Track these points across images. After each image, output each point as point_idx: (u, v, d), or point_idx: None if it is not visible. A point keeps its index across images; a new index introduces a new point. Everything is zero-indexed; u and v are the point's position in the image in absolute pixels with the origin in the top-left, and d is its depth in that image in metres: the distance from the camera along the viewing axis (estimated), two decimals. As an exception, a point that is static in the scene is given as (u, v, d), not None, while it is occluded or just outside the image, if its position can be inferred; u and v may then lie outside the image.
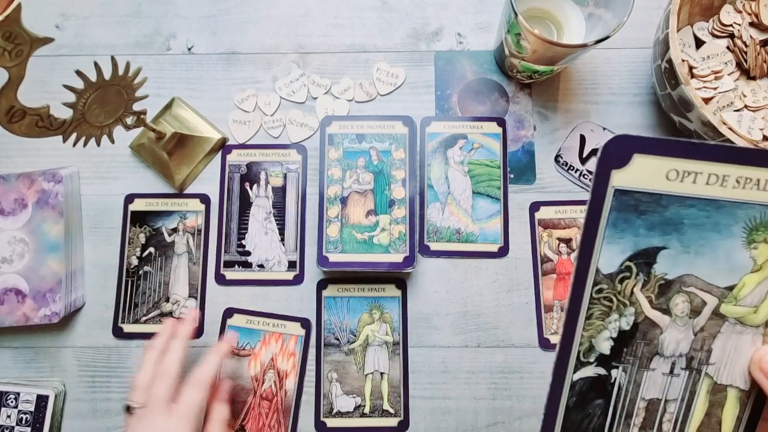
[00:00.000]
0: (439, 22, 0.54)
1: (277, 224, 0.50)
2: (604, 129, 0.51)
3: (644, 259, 0.20)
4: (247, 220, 0.50)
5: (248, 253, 0.49)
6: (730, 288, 0.20)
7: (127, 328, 0.48)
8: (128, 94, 0.39)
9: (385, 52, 0.53)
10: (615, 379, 0.21)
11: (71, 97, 0.36)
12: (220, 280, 0.49)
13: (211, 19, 0.54)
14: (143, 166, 0.51)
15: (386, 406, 0.47)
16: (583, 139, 0.50)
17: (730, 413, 0.21)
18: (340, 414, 0.47)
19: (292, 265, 0.49)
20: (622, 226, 0.20)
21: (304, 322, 0.48)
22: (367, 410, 0.47)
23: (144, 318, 0.48)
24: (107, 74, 0.36)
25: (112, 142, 0.41)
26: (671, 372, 0.21)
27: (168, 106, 0.52)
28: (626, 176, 0.19)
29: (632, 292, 0.20)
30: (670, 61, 0.42)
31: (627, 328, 0.21)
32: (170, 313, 0.49)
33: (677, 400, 0.21)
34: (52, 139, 0.37)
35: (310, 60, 0.53)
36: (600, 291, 0.20)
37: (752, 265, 0.20)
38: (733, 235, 0.20)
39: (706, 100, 0.46)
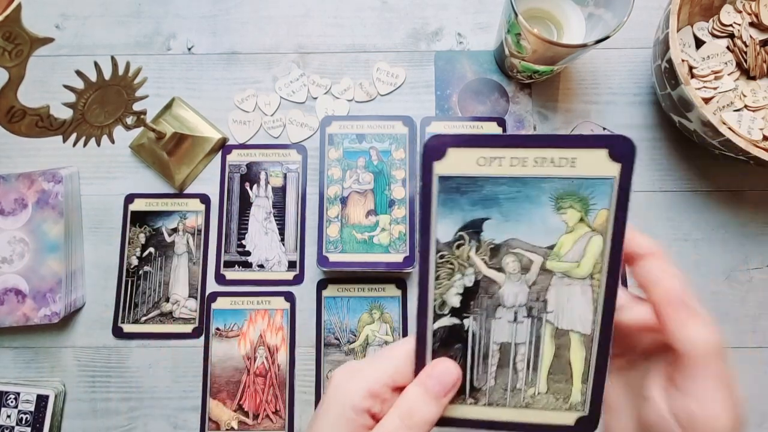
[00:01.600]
0: (439, 22, 0.54)
1: (277, 224, 0.50)
2: (604, 129, 0.51)
3: (473, 228, 0.24)
4: (247, 220, 0.50)
5: (248, 253, 0.49)
6: (551, 247, 0.24)
7: (127, 328, 0.48)
8: (128, 94, 0.39)
9: (385, 52, 0.53)
10: (468, 327, 0.25)
11: (71, 97, 0.36)
12: (220, 280, 0.49)
13: (211, 19, 0.54)
14: (143, 166, 0.51)
15: (386, 406, 0.47)
16: (583, 139, 0.50)
17: (577, 355, 0.24)
18: (340, 414, 0.46)
19: (292, 265, 0.49)
20: (450, 204, 0.24)
21: (288, 296, 0.49)
22: (367, 410, 0.46)
23: (144, 318, 0.49)
24: (107, 74, 0.36)
25: (112, 142, 0.41)
26: (515, 320, 0.25)
27: (168, 106, 0.52)
28: (445, 165, 0.24)
29: (468, 256, 0.24)
30: (670, 61, 0.42)
31: (470, 285, 0.25)
32: (170, 313, 0.49)
33: (526, 343, 0.25)
34: (52, 139, 0.37)
35: (310, 60, 0.53)
36: (442, 257, 0.25)
37: (565, 228, 0.24)
38: (543, 203, 0.24)
39: (706, 100, 0.46)
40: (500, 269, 0.24)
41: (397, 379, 0.25)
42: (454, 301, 0.25)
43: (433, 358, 0.25)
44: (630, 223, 0.23)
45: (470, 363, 0.25)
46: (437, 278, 0.25)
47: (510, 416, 0.25)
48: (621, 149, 0.23)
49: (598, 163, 0.23)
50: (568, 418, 0.25)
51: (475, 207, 0.24)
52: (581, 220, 0.24)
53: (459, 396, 0.25)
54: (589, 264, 0.24)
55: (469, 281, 0.25)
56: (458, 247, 0.24)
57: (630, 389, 0.25)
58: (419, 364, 0.25)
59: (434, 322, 0.25)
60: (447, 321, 0.25)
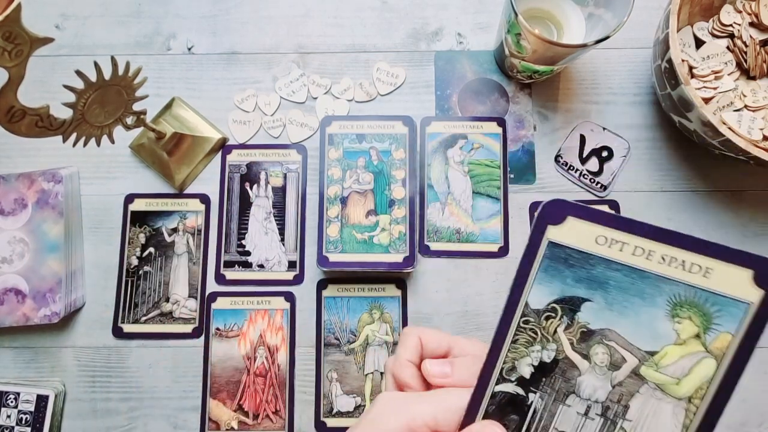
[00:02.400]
0: (439, 22, 0.54)
1: (277, 224, 0.50)
2: (604, 129, 0.51)
3: (569, 305, 0.22)
4: (247, 220, 0.50)
5: (248, 253, 0.49)
6: (652, 353, 0.21)
7: (127, 328, 0.48)
8: (128, 94, 0.39)
9: (385, 52, 0.53)
10: (531, 402, 0.22)
11: (71, 97, 0.36)
12: (220, 280, 0.49)
13: (211, 19, 0.54)
14: (143, 166, 0.51)
15: (386, 406, 0.47)
16: (583, 139, 0.51)
17: None
18: (340, 414, 0.47)
19: (292, 265, 0.49)
20: (552, 272, 0.22)
21: (288, 296, 0.49)
22: (367, 410, 0.46)
23: (144, 318, 0.49)
24: (107, 74, 0.36)
25: (112, 142, 0.41)
26: (586, 414, 0.22)
27: (168, 106, 0.52)
28: (560, 233, 0.22)
29: (555, 331, 0.22)
30: (670, 61, 0.42)
31: (548, 361, 0.22)
32: (170, 313, 0.49)
33: None
34: (52, 139, 0.37)
35: (310, 60, 0.53)
36: (527, 322, 0.22)
37: (675, 338, 0.21)
38: (656, 305, 0.21)
39: (706, 100, 0.46)
40: (586, 356, 0.22)
41: (441, 423, 0.23)
42: (525, 371, 0.23)
43: (484, 419, 0.23)
44: None
45: None
46: (514, 342, 0.23)
47: None
48: None
49: (738, 283, 0.20)
50: None
51: (578, 284, 0.22)
52: (697, 336, 0.21)
53: None
54: (692, 386, 0.21)
55: (547, 357, 0.22)
56: (547, 318, 0.22)
57: None
58: (468, 418, 0.23)
59: (497, 384, 0.23)
60: (511, 388, 0.23)
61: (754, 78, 0.47)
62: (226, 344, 0.48)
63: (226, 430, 0.47)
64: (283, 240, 0.50)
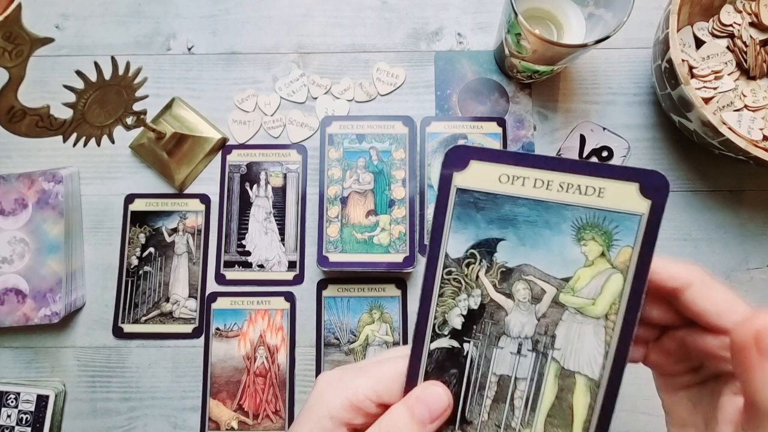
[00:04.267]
0: (439, 22, 0.54)
1: (277, 224, 0.50)
2: (604, 129, 0.51)
3: (486, 248, 0.23)
4: (247, 220, 0.50)
5: (248, 253, 0.49)
6: (567, 279, 0.22)
7: (127, 328, 0.48)
8: (128, 94, 0.39)
9: (385, 52, 0.53)
10: (467, 352, 0.23)
11: (71, 97, 0.36)
12: (220, 280, 0.49)
13: (211, 19, 0.54)
14: (143, 166, 0.51)
15: (386, 406, 0.47)
16: (583, 139, 0.51)
17: (580, 400, 0.22)
18: (340, 414, 0.46)
19: (292, 265, 0.49)
20: (465, 219, 0.23)
21: (288, 296, 0.49)
22: (367, 410, 0.46)
23: (144, 318, 0.49)
24: (107, 74, 0.36)
25: (112, 142, 0.41)
26: (519, 352, 0.23)
27: (168, 106, 0.52)
28: (465, 178, 0.23)
29: (477, 276, 0.23)
30: (670, 61, 0.42)
31: (475, 307, 0.23)
32: (170, 313, 0.49)
33: (526, 379, 0.23)
34: (52, 139, 0.37)
35: (310, 60, 0.53)
36: (449, 273, 0.23)
37: (584, 260, 0.22)
38: (562, 232, 0.22)
39: (706, 100, 0.46)
40: (509, 295, 0.23)
41: (382, 394, 0.23)
42: (456, 322, 0.23)
43: (426, 380, 0.23)
44: (662, 254, 0.21)
45: (464, 392, 0.23)
46: (441, 295, 0.23)
47: None
48: (653, 185, 0.21)
49: (628, 197, 0.22)
50: None
51: (490, 226, 0.23)
52: (602, 254, 0.22)
53: (447, 426, 0.23)
54: (606, 303, 0.22)
55: (474, 303, 0.23)
56: (468, 265, 0.23)
57: (700, 408, 0.23)
58: (410, 383, 0.23)
59: (432, 342, 0.23)
60: (445, 342, 0.23)
61: (754, 78, 0.47)
62: (226, 344, 0.48)
63: (226, 430, 0.47)
64: (283, 240, 0.50)
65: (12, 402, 0.46)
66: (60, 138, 0.37)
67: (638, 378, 0.30)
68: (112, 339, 0.48)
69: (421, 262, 0.49)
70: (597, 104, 0.51)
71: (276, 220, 0.50)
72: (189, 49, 0.53)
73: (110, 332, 0.48)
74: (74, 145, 0.38)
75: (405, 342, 0.48)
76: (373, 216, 0.47)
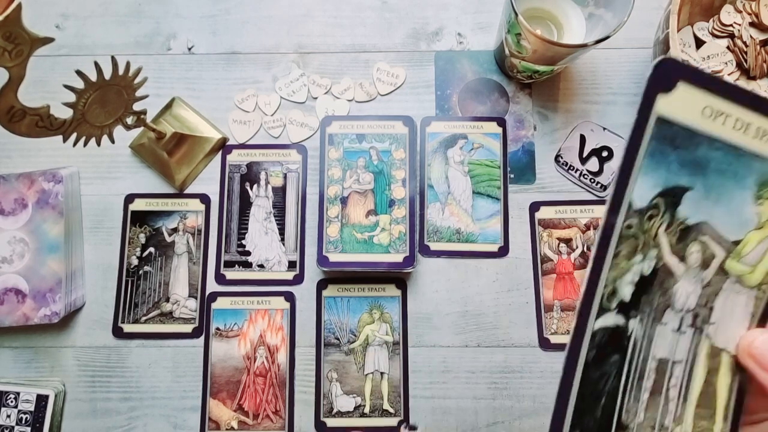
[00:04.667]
0: (439, 22, 0.54)
1: (277, 224, 0.50)
2: (604, 129, 0.51)
3: (672, 197, 0.20)
4: (247, 220, 0.50)
5: (248, 253, 0.49)
6: (737, 243, 0.20)
7: (127, 328, 0.48)
8: (128, 94, 0.39)
9: (385, 52, 0.53)
10: (631, 332, 0.20)
11: (71, 97, 0.36)
12: (220, 280, 0.49)
13: (211, 19, 0.54)
14: (143, 166, 0.51)
15: (386, 406, 0.47)
16: (583, 139, 0.51)
17: (723, 381, 0.20)
18: (340, 414, 0.47)
19: (292, 264, 0.49)
20: (659, 157, 0.20)
21: (288, 296, 0.49)
22: (367, 410, 0.47)
23: (144, 318, 0.49)
24: (107, 74, 0.36)
25: (112, 142, 0.41)
26: (679, 329, 0.20)
27: (168, 106, 0.52)
28: (669, 104, 0.20)
29: (657, 233, 0.20)
30: (670, 61, 0.42)
31: (648, 272, 0.20)
32: (170, 313, 0.49)
33: (682, 362, 0.20)
34: (52, 139, 0.37)
35: (310, 60, 0.53)
36: (629, 227, 0.20)
37: (756, 222, 0.20)
38: (746, 186, 0.20)
39: (706, 100, 0.46)
40: (683, 258, 0.20)
41: None
42: (626, 292, 0.20)
43: (585, 374, 0.20)
44: None
45: (623, 386, 0.20)
46: (616, 255, 0.20)
47: None
48: None
49: None
50: None
51: (682, 170, 0.20)
52: None
53: None
54: (763, 271, 0.20)
55: (648, 267, 0.20)
56: (650, 218, 0.20)
57: None
58: (567, 378, 0.20)
59: (597, 319, 0.20)
60: (612, 319, 0.20)
61: (754, 78, 0.47)
62: (226, 344, 0.48)
63: (226, 430, 0.47)
64: (283, 240, 0.50)
65: (12, 402, 0.46)
66: (60, 138, 0.37)
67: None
68: (112, 339, 0.48)
69: (421, 261, 0.49)
70: (597, 104, 0.51)
71: (276, 220, 0.50)
72: (189, 49, 0.53)
73: (110, 332, 0.48)
74: (74, 145, 0.38)
75: (405, 341, 0.48)
76: (373, 216, 0.47)
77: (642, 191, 0.20)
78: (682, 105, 0.20)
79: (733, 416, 0.20)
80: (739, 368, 0.20)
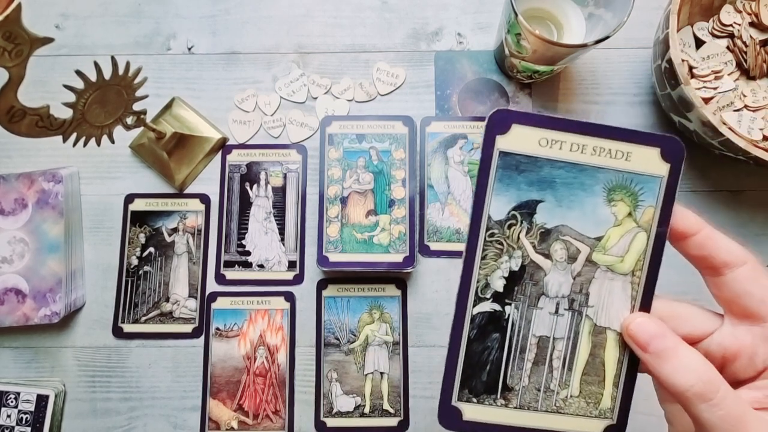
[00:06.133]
0: (439, 22, 0.54)
1: (277, 224, 0.50)
2: (604, 129, 0.50)
3: (526, 209, 0.24)
4: (247, 220, 0.50)
5: (248, 253, 0.49)
6: (599, 239, 0.24)
7: (127, 327, 0.48)
8: (128, 94, 0.39)
9: (385, 52, 0.53)
10: (508, 315, 0.24)
11: (71, 97, 0.36)
12: (220, 280, 0.49)
13: (211, 19, 0.54)
14: (143, 166, 0.51)
15: (386, 406, 0.47)
16: (583, 139, 0.50)
17: (611, 354, 0.24)
18: (340, 414, 0.47)
19: (292, 264, 0.49)
20: (507, 181, 0.24)
21: (288, 296, 0.49)
22: (367, 410, 0.47)
23: (144, 318, 0.49)
24: (107, 74, 0.36)
25: (112, 142, 0.41)
26: (556, 312, 0.24)
27: (168, 106, 0.52)
28: (507, 141, 0.24)
29: (518, 238, 0.24)
30: (670, 61, 0.42)
31: (516, 269, 0.24)
32: (170, 313, 0.49)
33: (564, 339, 0.24)
34: (52, 139, 0.37)
35: (310, 60, 0.53)
36: (492, 235, 0.24)
37: (614, 220, 0.24)
38: (595, 193, 0.24)
39: (706, 100, 0.46)
40: (547, 255, 0.24)
41: None
42: (498, 284, 0.24)
43: (468, 347, 0.24)
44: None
45: (506, 356, 0.24)
46: (484, 258, 0.24)
47: (539, 422, 0.24)
48: (672, 150, 0.24)
49: (651, 161, 0.24)
50: (597, 427, 0.24)
51: (531, 188, 0.24)
52: (629, 214, 0.24)
53: (488, 395, 0.24)
54: (632, 260, 0.24)
55: (515, 264, 0.24)
56: (509, 227, 0.24)
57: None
58: (453, 352, 0.24)
59: (474, 306, 0.24)
60: (488, 306, 0.24)
61: (754, 78, 0.47)
62: (226, 344, 0.48)
63: (226, 430, 0.47)
64: (283, 240, 0.50)
65: (12, 402, 0.46)
66: (60, 138, 0.37)
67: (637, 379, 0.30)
68: (112, 339, 0.48)
69: (421, 261, 0.49)
70: (597, 104, 0.51)
71: (276, 220, 0.50)
72: (189, 49, 0.53)
73: (110, 332, 0.48)
74: (74, 145, 0.38)
75: (405, 341, 0.48)
76: (373, 216, 0.47)
77: (497, 207, 0.24)
78: (519, 141, 0.24)
79: (625, 384, 0.24)
80: (626, 344, 0.24)
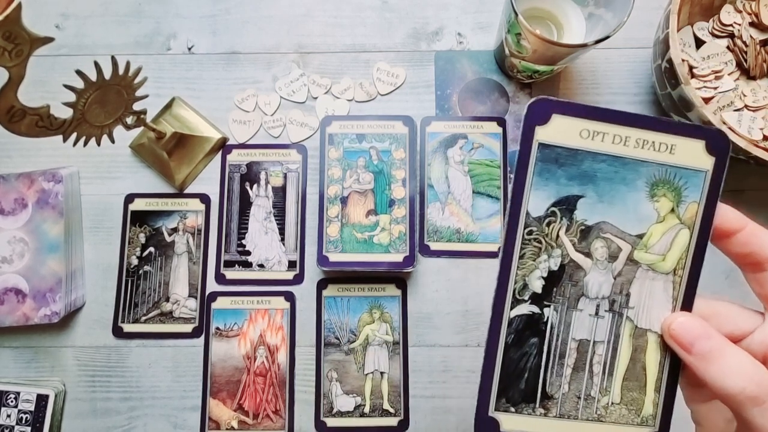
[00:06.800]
0: (439, 22, 0.54)
1: (277, 224, 0.50)
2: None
3: (566, 205, 0.23)
4: (247, 219, 0.50)
5: (248, 253, 0.49)
6: (641, 236, 0.23)
7: (127, 327, 0.48)
8: (128, 94, 0.39)
9: (385, 51, 0.53)
10: (547, 318, 0.23)
11: (71, 97, 0.36)
12: (220, 279, 0.49)
13: (211, 19, 0.54)
14: (143, 166, 0.51)
15: (386, 406, 0.47)
16: (583, 138, 0.50)
17: (652, 357, 0.23)
18: (340, 413, 0.47)
19: (292, 264, 0.49)
20: (546, 175, 0.23)
21: (288, 295, 0.49)
22: (367, 410, 0.47)
23: (144, 318, 0.49)
24: (107, 74, 0.36)
25: (112, 142, 0.41)
26: (597, 314, 0.23)
27: (168, 106, 0.52)
28: (547, 132, 0.22)
29: (558, 235, 0.23)
30: (670, 61, 0.42)
31: (555, 268, 0.23)
32: (170, 313, 0.49)
33: (604, 342, 0.23)
34: (52, 139, 0.37)
35: (310, 60, 0.53)
36: (530, 233, 0.23)
37: (657, 217, 0.23)
38: (637, 188, 0.23)
39: (706, 100, 0.46)
40: (588, 254, 0.23)
41: None
42: (537, 285, 0.23)
43: (505, 353, 0.23)
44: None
45: (545, 362, 0.23)
46: (522, 257, 0.23)
47: None
48: (717, 143, 0.22)
49: (696, 155, 0.22)
50: None
51: (571, 182, 0.23)
52: (672, 210, 0.23)
53: (527, 404, 0.23)
54: (674, 258, 0.23)
55: (554, 264, 0.23)
56: (548, 224, 0.23)
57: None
58: (490, 359, 0.23)
59: (512, 309, 0.23)
60: (526, 308, 0.23)
61: (754, 78, 0.47)
62: (226, 344, 0.48)
63: (226, 429, 0.47)
64: (283, 240, 0.50)
65: (12, 401, 0.46)
66: (60, 138, 0.37)
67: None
68: (112, 339, 0.48)
69: (421, 261, 0.49)
70: (597, 104, 0.51)
71: (276, 220, 0.50)
72: (189, 49, 0.53)
73: (110, 332, 0.48)
74: (74, 144, 0.38)
75: (405, 341, 0.48)
76: (373, 216, 0.47)
77: (536, 203, 0.23)
78: (559, 132, 0.22)
79: (667, 388, 0.23)
80: (668, 346, 0.23)
